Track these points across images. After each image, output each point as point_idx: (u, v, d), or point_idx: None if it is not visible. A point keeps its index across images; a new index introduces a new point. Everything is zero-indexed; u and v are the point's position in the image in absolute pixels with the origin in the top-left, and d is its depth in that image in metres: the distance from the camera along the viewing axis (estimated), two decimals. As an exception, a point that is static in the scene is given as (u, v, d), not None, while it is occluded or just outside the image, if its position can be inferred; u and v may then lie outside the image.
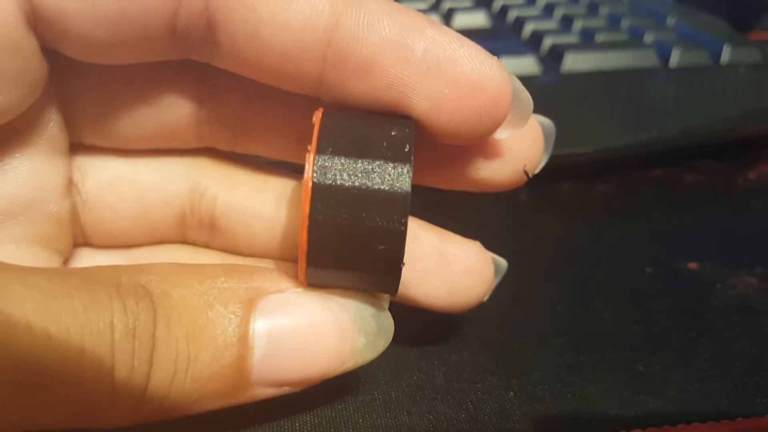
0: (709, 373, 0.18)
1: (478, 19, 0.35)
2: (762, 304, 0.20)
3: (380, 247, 0.13)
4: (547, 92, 0.29)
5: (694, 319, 0.20)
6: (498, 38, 0.34)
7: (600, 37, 0.32)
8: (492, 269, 0.17)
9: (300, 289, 0.14)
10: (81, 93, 0.16)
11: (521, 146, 0.16)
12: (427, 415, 0.17)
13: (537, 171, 0.17)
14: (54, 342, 0.11)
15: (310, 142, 0.13)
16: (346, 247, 0.13)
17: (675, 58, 0.31)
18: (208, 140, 0.17)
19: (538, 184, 0.27)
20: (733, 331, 0.19)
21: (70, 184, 0.17)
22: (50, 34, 0.14)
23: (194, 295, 0.13)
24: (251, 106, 0.16)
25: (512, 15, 0.36)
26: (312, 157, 0.13)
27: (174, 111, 0.16)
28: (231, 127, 0.17)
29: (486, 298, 0.18)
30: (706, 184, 0.28)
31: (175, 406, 0.13)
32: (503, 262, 0.18)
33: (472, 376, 0.18)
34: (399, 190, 0.13)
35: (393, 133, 0.13)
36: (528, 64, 0.30)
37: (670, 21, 0.35)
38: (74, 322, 0.12)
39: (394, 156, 0.13)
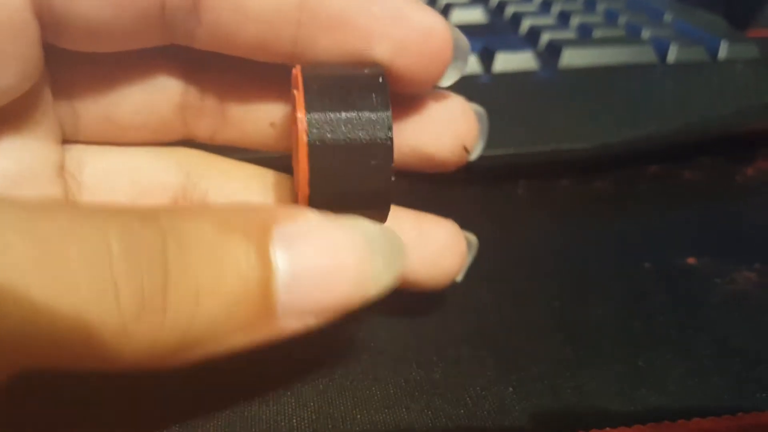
0: (709, 368, 0.18)
1: (476, 14, 0.35)
2: (761, 299, 0.20)
3: (372, 162, 0.15)
4: (545, 88, 0.29)
5: (693, 314, 0.20)
6: (495, 34, 0.33)
7: (597, 33, 0.32)
8: (465, 246, 0.18)
9: (312, 216, 0.14)
10: (75, 84, 0.16)
11: (458, 124, 0.18)
12: (426, 410, 0.16)
13: (476, 153, 0.18)
14: (39, 263, 0.10)
15: (291, 97, 0.15)
16: (342, 171, 0.15)
17: (672, 54, 0.30)
18: (191, 127, 0.18)
19: (535, 179, 0.27)
20: (733, 327, 0.19)
21: (62, 170, 0.17)
22: (52, 21, 0.14)
23: (207, 223, 0.13)
24: (230, 93, 0.18)
25: (509, 11, 0.35)
26: (302, 95, 0.15)
27: (163, 96, 0.17)
28: (212, 114, 0.18)
29: (460, 277, 0.18)
30: (703, 180, 0.28)
31: (201, 336, 0.12)
32: (474, 239, 0.19)
33: (470, 372, 0.18)
34: (383, 111, 0.15)
35: (366, 71, 0.15)
36: (526, 59, 0.29)
37: (668, 17, 0.35)
38: (63, 240, 0.10)
39: (372, 87, 0.15)
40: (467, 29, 0.35)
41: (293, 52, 0.16)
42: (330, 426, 0.16)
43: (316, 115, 0.14)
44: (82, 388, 0.17)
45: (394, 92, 0.16)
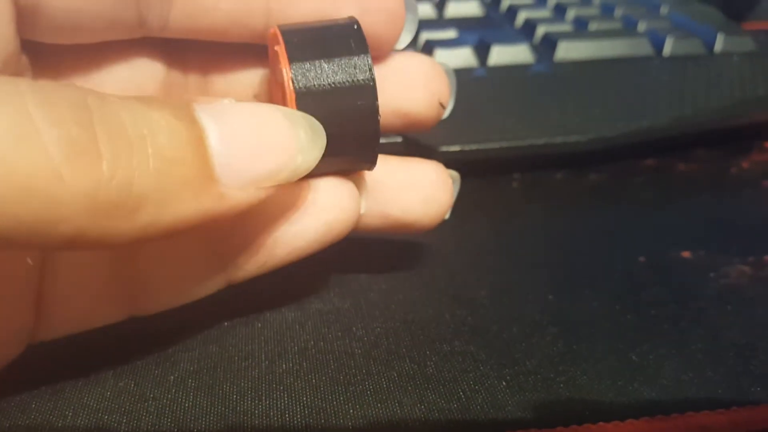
0: (703, 361, 0.18)
1: (472, 7, 0.35)
2: (755, 293, 0.20)
3: (358, 103, 0.16)
4: (541, 81, 0.29)
5: (687, 307, 0.20)
6: (491, 27, 0.33)
7: (593, 26, 0.32)
8: (451, 182, 0.19)
9: (227, 99, 0.14)
10: (59, 68, 0.16)
11: (429, 79, 0.18)
12: (419, 404, 0.16)
13: (449, 109, 0.19)
14: None
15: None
16: (330, 116, 0.15)
17: (668, 47, 0.30)
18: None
19: (530, 172, 0.27)
20: (727, 320, 0.19)
21: None
22: (27, 12, 0.14)
23: (131, 98, 0.13)
24: (212, 68, 0.18)
25: (505, 3, 0.35)
26: (283, 49, 0.15)
27: (147, 75, 0.17)
28: (196, 89, 0.18)
29: (448, 214, 0.19)
30: (699, 173, 0.28)
31: (145, 194, 0.12)
32: (456, 175, 0.20)
33: (463, 366, 0.18)
34: (362, 54, 0.16)
35: (340, 21, 0.16)
36: (521, 52, 0.29)
37: (664, 9, 0.35)
38: None
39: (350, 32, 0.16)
40: (463, 22, 0.35)
41: (266, 25, 0.16)
42: (323, 421, 0.16)
43: (299, 65, 0.15)
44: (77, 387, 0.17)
45: None
